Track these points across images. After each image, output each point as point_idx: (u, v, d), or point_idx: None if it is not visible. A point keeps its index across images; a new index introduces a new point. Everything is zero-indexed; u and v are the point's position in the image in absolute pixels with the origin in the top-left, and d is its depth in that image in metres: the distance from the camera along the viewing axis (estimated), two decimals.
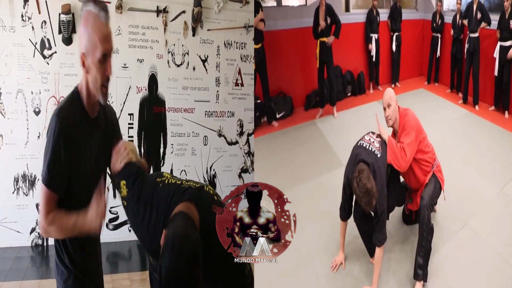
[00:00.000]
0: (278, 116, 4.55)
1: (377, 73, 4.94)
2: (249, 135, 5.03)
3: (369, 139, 2.47)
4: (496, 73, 4.06)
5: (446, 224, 2.85)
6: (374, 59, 4.84)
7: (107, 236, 4.38)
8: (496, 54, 4.02)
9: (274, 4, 4.48)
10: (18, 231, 4.14)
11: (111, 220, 4.46)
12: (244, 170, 5.06)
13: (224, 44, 4.90)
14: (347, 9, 4.95)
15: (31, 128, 4.24)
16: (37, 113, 4.24)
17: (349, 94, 4.89)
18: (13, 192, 4.17)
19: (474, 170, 3.39)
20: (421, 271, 2.44)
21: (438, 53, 4.82)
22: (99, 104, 1.58)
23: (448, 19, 4.68)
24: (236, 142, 4.99)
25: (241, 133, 4.98)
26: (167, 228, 1.24)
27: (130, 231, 4.47)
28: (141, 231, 1.46)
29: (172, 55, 4.70)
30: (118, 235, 4.47)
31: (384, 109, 2.57)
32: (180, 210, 1.32)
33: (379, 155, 2.38)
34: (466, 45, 4.35)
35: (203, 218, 1.34)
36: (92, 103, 1.54)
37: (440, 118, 4.02)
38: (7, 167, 4.15)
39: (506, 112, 4.04)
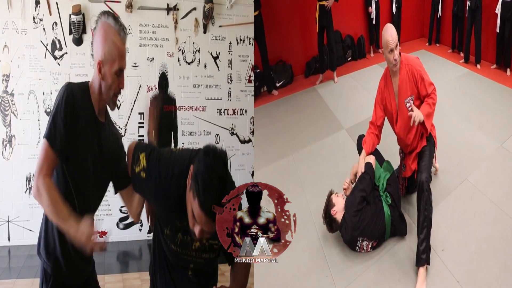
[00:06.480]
0: (278, 84, 4.53)
1: (378, 36, 4.86)
2: None
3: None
4: (498, 30, 3.98)
5: (446, 179, 2.87)
6: (374, 22, 4.76)
7: (117, 235, 4.41)
8: (498, 10, 3.94)
9: None
10: (30, 230, 4.18)
11: (121, 219, 4.46)
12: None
13: (237, 40, 4.71)
14: None
15: (42, 128, 4.23)
16: (48, 113, 4.24)
17: (349, 58, 4.84)
18: (25, 192, 4.20)
19: (475, 126, 3.38)
20: (424, 255, 2.20)
21: (440, 13, 4.73)
22: (105, 113, 1.65)
23: None
24: (249, 140, 4.82)
25: (254, 131, 4.79)
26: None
27: (140, 230, 4.49)
28: (164, 190, 1.51)
29: (183, 53, 4.58)
30: (128, 234, 4.48)
31: (392, 50, 2.30)
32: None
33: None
34: (467, 2, 4.26)
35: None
36: (100, 105, 1.61)
37: (441, 77, 3.97)
38: (19, 166, 4.19)
39: (508, 69, 3.99)
